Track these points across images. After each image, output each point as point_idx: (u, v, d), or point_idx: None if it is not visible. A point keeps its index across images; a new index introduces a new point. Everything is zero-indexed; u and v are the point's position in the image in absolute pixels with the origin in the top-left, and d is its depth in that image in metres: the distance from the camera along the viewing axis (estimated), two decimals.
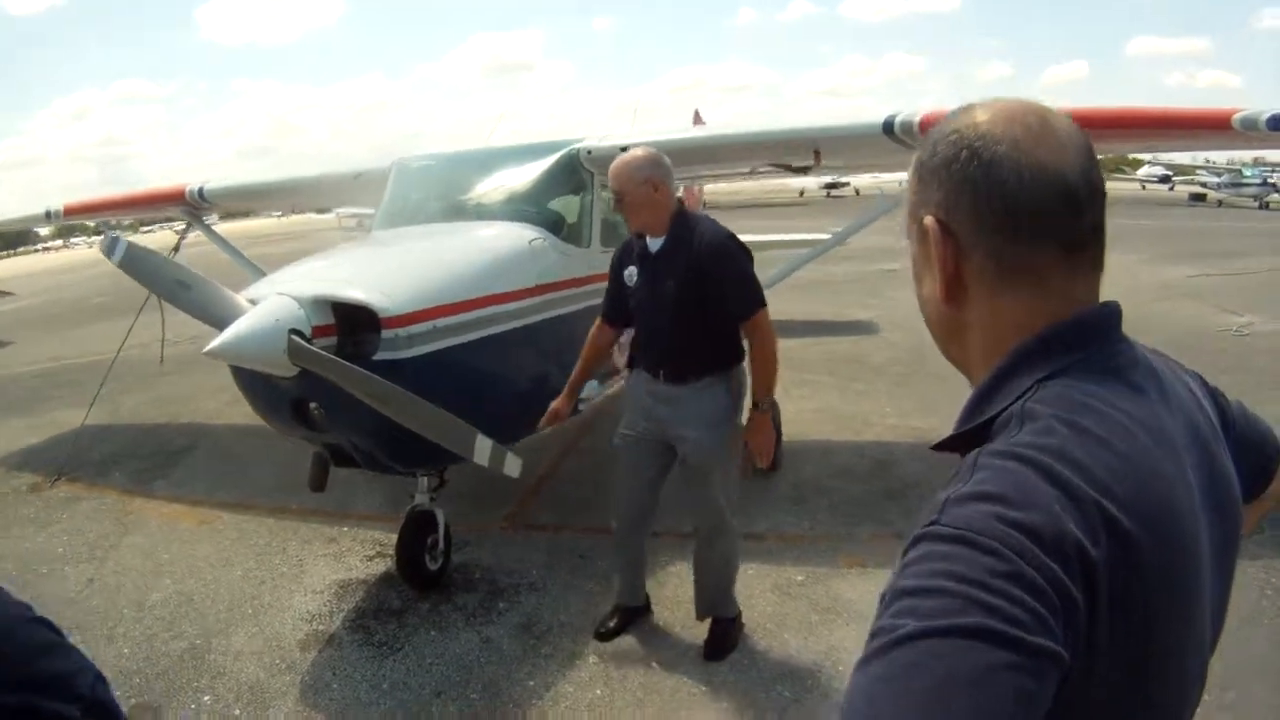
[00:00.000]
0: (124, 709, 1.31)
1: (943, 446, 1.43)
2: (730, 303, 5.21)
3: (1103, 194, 1.38)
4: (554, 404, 5.73)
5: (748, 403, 5.41)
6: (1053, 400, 1.28)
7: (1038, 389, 1.31)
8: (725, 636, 5.65)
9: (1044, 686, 1.04)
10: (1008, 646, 1.01)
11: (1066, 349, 1.34)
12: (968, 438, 1.36)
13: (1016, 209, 1.33)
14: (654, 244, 5.37)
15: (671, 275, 5.23)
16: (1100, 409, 1.27)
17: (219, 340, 5.10)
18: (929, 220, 1.41)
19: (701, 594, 5.71)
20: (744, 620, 5.86)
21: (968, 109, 1.42)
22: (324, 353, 5.27)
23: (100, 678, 1.30)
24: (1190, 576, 1.27)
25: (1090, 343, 1.36)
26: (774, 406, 5.39)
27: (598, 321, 5.76)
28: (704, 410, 5.32)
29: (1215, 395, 1.60)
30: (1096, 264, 1.39)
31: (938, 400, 10.11)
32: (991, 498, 1.14)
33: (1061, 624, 1.07)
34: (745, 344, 5.37)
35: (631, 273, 5.45)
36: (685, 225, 5.33)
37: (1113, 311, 1.40)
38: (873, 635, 1.09)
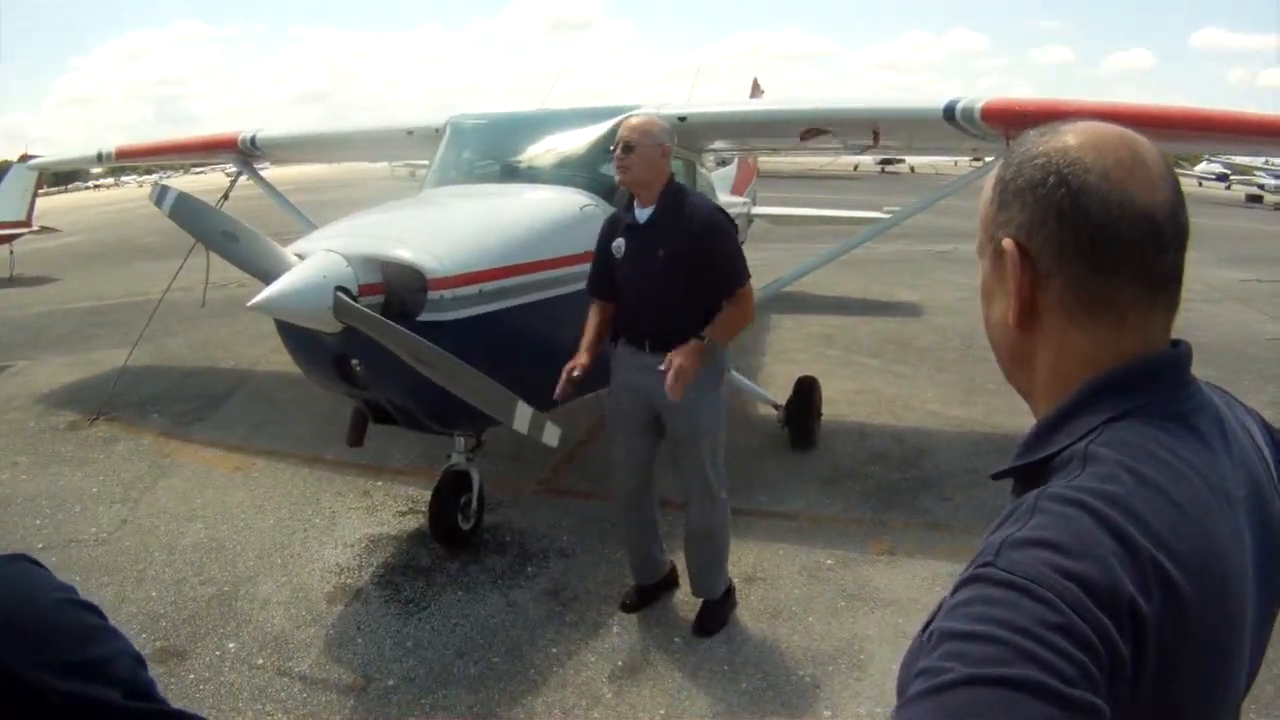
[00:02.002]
0: (154, 675, 1.31)
1: (1001, 475, 1.40)
2: (718, 275, 5.24)
3: (1187, 234, 1.34)
4: (575, 364, 5.43)
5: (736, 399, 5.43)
6: (1118, 445, 1.25)
7: (1103, 430, 1.28)
8: (713, 615, 5.69)
9: None
10: (1053, 701, 1.00)
11: (1136, 391, 1.32)
12: (1027, 470, 1.34)
13: (1102, 241, 1.30)
14: (642, 214, 5.39)
15: (662, 244, 5.24)
16: (1164, 458, 1.25)
17: (265, 294, 5.12)
18: (1008, 243, 1.37)
19: (692, 574, 5.75)
20: (773, 599, 5.90)
21: (1056, 131, 1.38)
22: (370, 311, 5.30)
23: (139, 660, 1.30)
24: (1234, 634, 1.25)
25: (1160, 386, 1.34)
26: (709, 341, 5.19)
27: (593, 301, 5.66)
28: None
29: (1274, 435, 1.56)
30: (1173, 305, 1.36)
31: (980, 388, 10.12)
32: (1048, 545, 1.12)
33: (1106, 678, 1.05)
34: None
35: (620, 244, 5.43)
36: (676, 197, 5.37)
37: (1184, 354, 1.38)
38: (918, 675, 1.08)
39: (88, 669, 1.20)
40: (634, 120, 5.40)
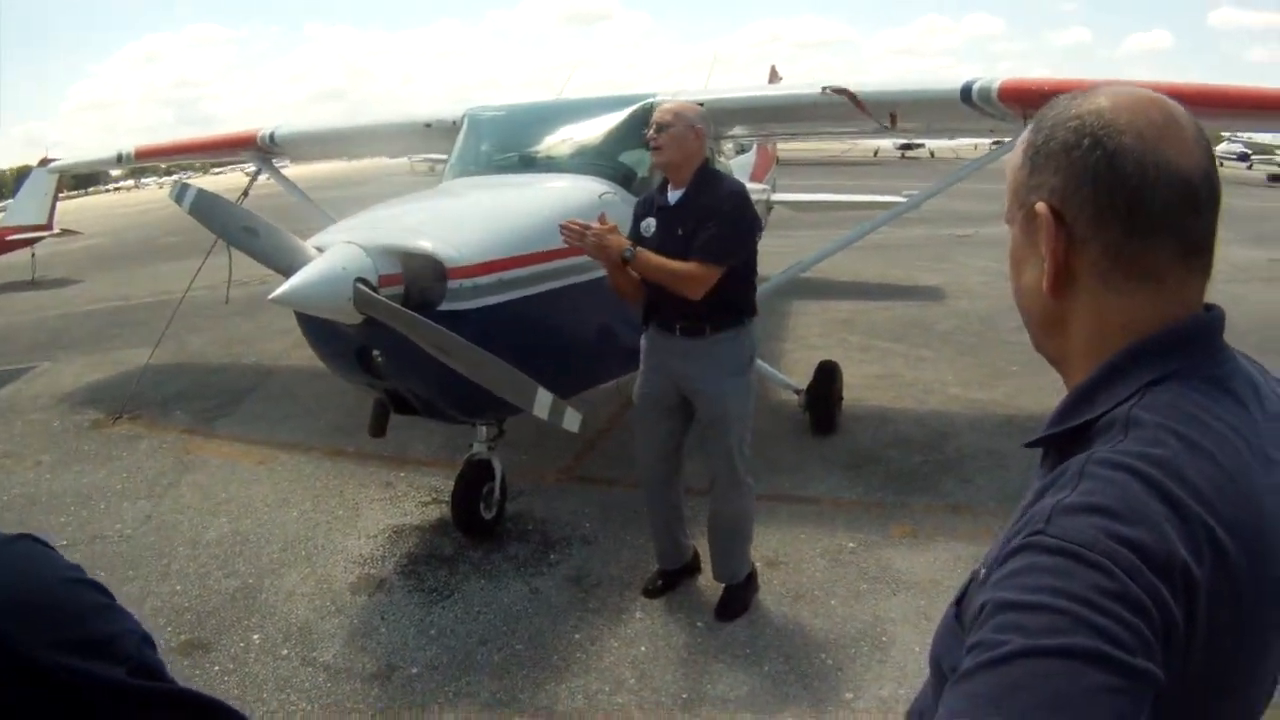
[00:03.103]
0: (167, 667, 1.31)
1: (1038, 443, 1.40)
2: (700, 240, 5.15)
3: (1219, 198, 1.33)
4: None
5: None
6: (1161, 408, 1.25)
7: (1144, 394, 1.28)
8: (735, 599, 5.69)
9: (1142, 710, 1.02)
10: (1113, 669, 1.00)
11: (1173, 354, 1.31)
12: (1064, 437, 1.34)
13: (1139, 204, 1.28)
14: (673, 195, 5.39)
15: (683, 225, 5.23)
16: (1206, 421, 1.25)
17: (285, 287, 5.14)
18: (1041, 206, 1.35)
19: (715, 558, 5.77)
20: (795, 583, 5.92)
21: (1088, 95, 1.36)
22: (390, 302, 5.30)
23: (146, 639, 1.29)
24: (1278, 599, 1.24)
25: (1197, 350, 1.33)
26: (634, 257, 5.17)
27: None
28: (719, 362, 5.34)
29: None
30: (1207, 269, 1.35)
31: (1002, 371, 10.10)
32: (1100, 510, 1.13)
33: (1161, 645, 1.05)
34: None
35: (649, 224, 5.43)
36: (707, 180, 5.39)
37: (1218, 317, 1.37)
38: (972, 648, 1.08)
39: (91, 646, 1.20)
40: (668, 104, 5.47)
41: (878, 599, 5.71)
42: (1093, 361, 1.36)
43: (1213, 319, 1.36)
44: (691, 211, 5.25)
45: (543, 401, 5.52)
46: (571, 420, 5.71)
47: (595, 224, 5.20)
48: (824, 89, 7.63)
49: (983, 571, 1.26)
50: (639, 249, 5.17)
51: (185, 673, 5.23)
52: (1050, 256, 1.35)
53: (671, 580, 5.93)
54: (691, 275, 5.12)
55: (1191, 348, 1.32)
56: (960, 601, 1.33)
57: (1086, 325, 1.37)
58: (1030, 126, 1.43)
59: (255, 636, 5.63)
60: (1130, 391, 1.29)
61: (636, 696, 4.94)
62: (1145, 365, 1.30)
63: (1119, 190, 1.28)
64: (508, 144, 8.26)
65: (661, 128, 5.26)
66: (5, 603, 1.14)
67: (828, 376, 8.67)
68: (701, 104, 6.04)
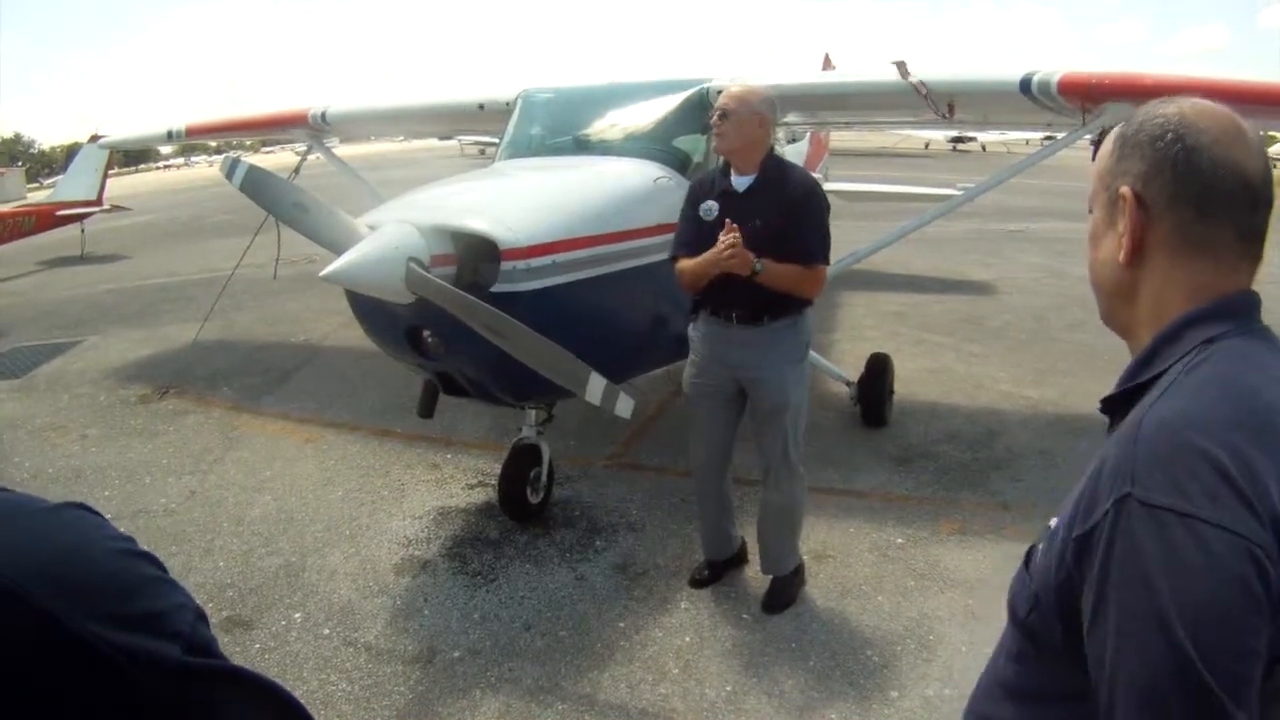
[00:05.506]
0: (214, 636, 1.25)
1: (1110, 401, 1.66)
2: (799, 246, 5.12)
3: (1274, 200, 1.60)
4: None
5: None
6: (1224, 355, 1.51)
7: (1202, 350, 1.52)
8: (782, 592, 5.65)
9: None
10: None
11: (1224, 319, 1.55)
12: (1123, 398, 1.60)
13: (1208, 191, 1.55)
14: (740, 182, 5.30)
15: (759, 214, 5.13)
16: (1256, 366, 1.50)
17: (336, 265, 5.09)
18: (1125, 190, 1.61)
19: (763, 548, 5.71)
20: (842, 578, 5.85)
21: (1174, 101, 1.63)
22: (442, 282, 5.25)
23: (201, 615, 1.23)
24: None
25: (1243, 317, 1.58)
26: (761, 271, 5.02)
27: (678, 261, 5.42)
28: (776, 351, 5.29)
29: None
30: (1258, 258, 1.62)
31: (1053, 368, 10.03)
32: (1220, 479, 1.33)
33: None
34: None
35: (710, 208, 5.30)
36: (777, 167, 5.33)
37: (1258, 296, 1.62)
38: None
39: (143, 621, 1.14)
40: (734, 89, 5.32)
41: (925, 596, 5.65)
42: (1154, 327, 1.62)
43: (1255, 295, 1.62)
44: (770, 202, 5.18)
45: (595, 386, 5.46)
46: (624, 406, 5.65)
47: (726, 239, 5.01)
48: (894, 63, 7.53)
49: (1054, 522, 1.54)
50: (765, 261, 5.04)
51: (226, 650, 5.09)
52: (1129, 231, 1.61)
53: (718, 571, 5.88)
54: (812, 278, 5.17)
55: (1237, 315, 1.57)
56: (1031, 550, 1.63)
57: (1153, 292, 1.63)
58: (1123, 123, 1.70)
59: (297, 615, 5.63)
60: (1187, 350, 1.54)
61: (680, 687, 4.89)
62: (1200, 327, 1.55)
63: (1193, 179, 1.55)
64: (562, 126, 8.21)
65: (724, 114, 5.18)
66: (51, 576, 1.08)
67: (879, 369, 8.61)
68: None
